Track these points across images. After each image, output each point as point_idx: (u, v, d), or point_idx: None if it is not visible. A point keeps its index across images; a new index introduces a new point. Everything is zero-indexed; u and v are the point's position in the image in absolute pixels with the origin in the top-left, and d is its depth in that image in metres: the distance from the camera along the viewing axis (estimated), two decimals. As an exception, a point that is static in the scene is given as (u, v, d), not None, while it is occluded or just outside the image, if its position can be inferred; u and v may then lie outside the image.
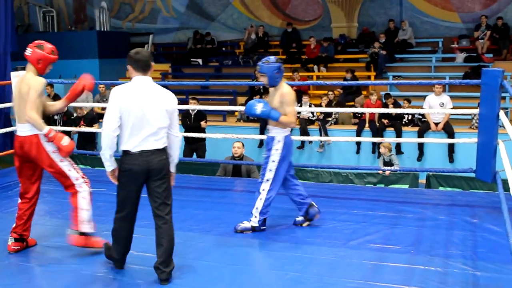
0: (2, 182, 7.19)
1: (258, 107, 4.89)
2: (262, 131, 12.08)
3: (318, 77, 15.00)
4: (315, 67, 15.41)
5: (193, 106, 9.42)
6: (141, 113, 3.81)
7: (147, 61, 3.93)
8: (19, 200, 4.61)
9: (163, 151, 3.96)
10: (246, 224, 5.06)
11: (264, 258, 4.51)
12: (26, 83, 4.37)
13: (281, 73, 4.95)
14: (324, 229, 5.15)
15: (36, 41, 4.54)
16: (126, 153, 3.89)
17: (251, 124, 12.60)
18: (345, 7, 16.52)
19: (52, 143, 4.42)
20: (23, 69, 7.68)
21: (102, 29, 17.80)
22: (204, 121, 10.17)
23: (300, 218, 5.25)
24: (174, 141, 4.06)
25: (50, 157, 4.43)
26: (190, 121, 10.17)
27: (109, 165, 3.97)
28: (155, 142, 3.88)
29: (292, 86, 13.61)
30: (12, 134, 12.20)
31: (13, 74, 7.57)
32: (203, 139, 10.11)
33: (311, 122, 12.13)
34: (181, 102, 9.45)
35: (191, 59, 17.16)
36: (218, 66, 16.71)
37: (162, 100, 3.91)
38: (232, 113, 13.89)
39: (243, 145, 8.05)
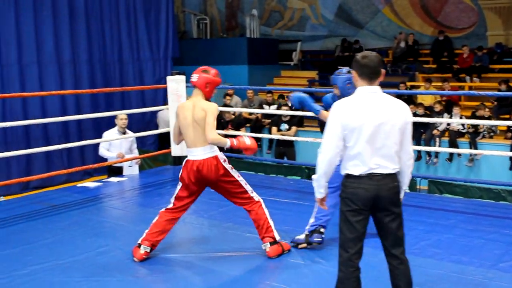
0: (155, 180, 7.61)
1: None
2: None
3: (470, 88, 14.34)
4: (468, 77, 14.72)
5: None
6: (371, 131, 3.22)
7: (375, 68, 3.32)
8: (163, 210, 4.68)
9: (395, 176, 3.34)
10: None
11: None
12: (200, 108, 4.48)
13: (353, 85, 4.79)
14: (472, 247, 4.88)
15: (200, 67, 4.66)
16: (349, 176, 3.32)
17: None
18: (503, 13, 15.65)
19: (227, 162, 4.59)
20: (178, 73, 8.12)
21: (252, 36, 18.28)
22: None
23: (301, 237, 4.87)
24: (407, 163, 3.41)
25: (231, 174, 4.58)
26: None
27: (322, 192, 3.48)
28: (387, 164, 3.28)
29: (442, 96, 13.18)
30: (158, 135, 12.90)
31: (169, 79, 7.99)
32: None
33: (461, 134, 11.62)
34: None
35: (339, 67, 17.08)
36: (365, 74, 16.53)
37: (395, 113, 3.29)
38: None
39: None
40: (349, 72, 4.80)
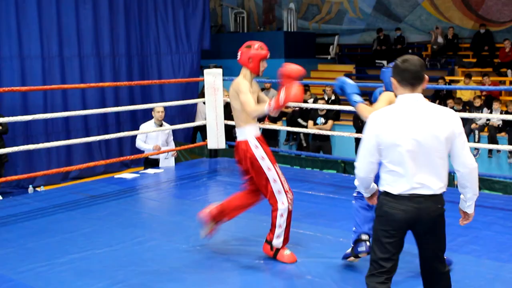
0: (191, 172, 7.68)
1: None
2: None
3: (511, 83, 14.06)
4: (509, 71, 14.43)
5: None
6: (411, 146, 2.90)
7: (416, 72, 2.95)
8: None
9: (440, 198, 3.00)
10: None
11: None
12: (232, 89, 4.35)
13: None
14: (510, 245, 4.79)
15: (245, 43, 4.46)
16: (387, 194, 3.00)
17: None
18: (546, 7, 15.29)
19: (261, 148, 4.36)
20: (216, 66, 8.15)
21: (289, 30, 18.22)
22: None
23: (348, 250, 4.39)
24: (465, 177, 3.08)
25: (258, 163, 4.34)
26: (362, 123, 10.09)
27: (367, 193, 3.31)
28: (431, 183, 2.93)
29: (482, 91, 12.93)
30: (192, 128, 13.00)
31: (206, 72, 8.03)
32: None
33: (501, 130, 11.41)
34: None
35: (376, 61, 16.94)
36: (403, 68, 16.33)
37: (439, 125, 2.92)
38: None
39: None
40: None
